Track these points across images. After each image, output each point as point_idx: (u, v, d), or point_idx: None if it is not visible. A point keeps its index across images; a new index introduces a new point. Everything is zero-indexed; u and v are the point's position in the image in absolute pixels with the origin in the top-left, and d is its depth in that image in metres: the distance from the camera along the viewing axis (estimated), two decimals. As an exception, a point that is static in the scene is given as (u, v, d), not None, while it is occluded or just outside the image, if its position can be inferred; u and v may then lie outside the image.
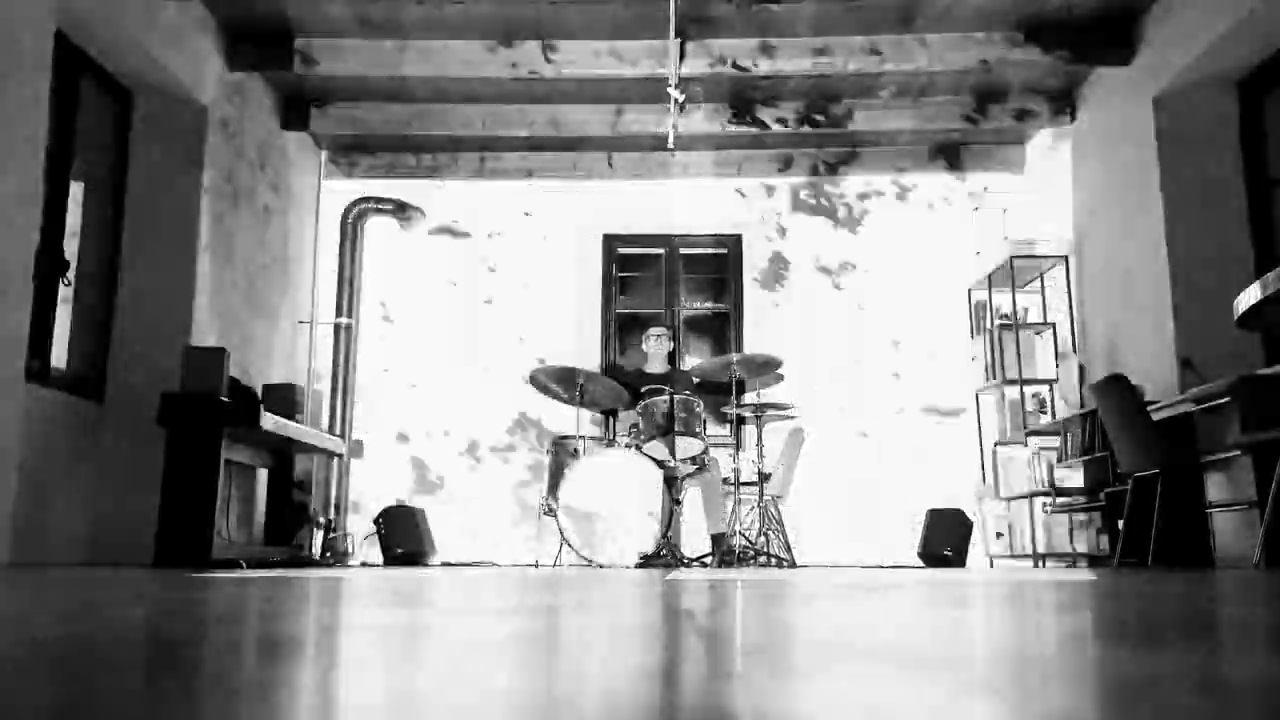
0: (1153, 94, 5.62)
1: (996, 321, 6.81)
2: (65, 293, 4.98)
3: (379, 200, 7.34)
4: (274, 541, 6.05)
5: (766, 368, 6.02)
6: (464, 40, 5.99)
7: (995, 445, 6.82)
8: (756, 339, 7.35)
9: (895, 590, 2.27)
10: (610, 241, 7.61)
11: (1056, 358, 6.63)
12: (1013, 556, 6.60)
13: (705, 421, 5.78)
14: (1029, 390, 6.61)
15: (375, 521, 6.53)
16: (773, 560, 5.64)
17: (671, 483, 5.54)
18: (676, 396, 5.60)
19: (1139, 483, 4.85)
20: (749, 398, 6.86)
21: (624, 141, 7.34)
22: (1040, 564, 6.27)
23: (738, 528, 5.71)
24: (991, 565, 6.73)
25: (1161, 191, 5.56)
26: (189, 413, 4.84)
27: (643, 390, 5.93)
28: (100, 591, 1.95)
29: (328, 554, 6.69)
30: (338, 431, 6.90)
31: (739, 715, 0.55)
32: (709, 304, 7.67)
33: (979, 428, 7.06)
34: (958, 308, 7.32)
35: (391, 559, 6.40)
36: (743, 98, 6.79)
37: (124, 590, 2.02)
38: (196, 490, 4.77)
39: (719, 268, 7.68)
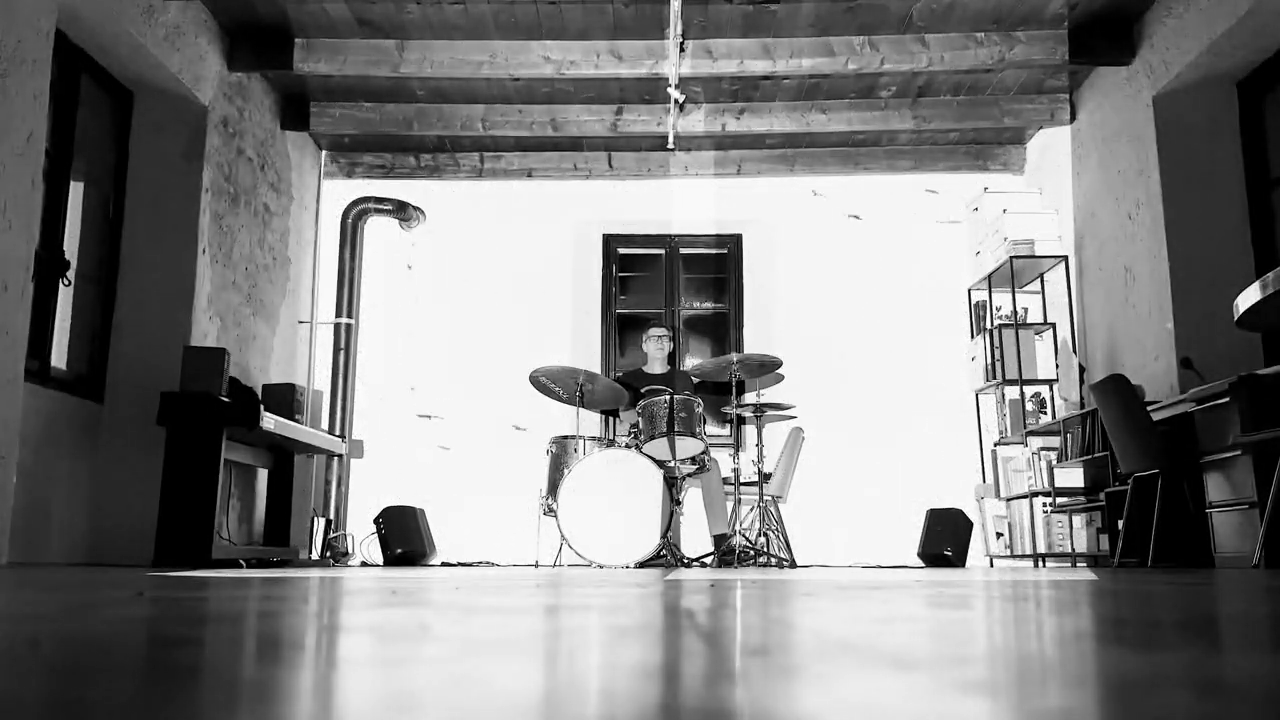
0: (1152, 93, 5.62)
1: (996, 321, 6.80)
2: (65, 293, 4.98)
3: (379, 200, 7.34)
4: (274, 541, 6.04)
5: (766, 368, 6.02)
6: (464, 40, 5.99)
7: (995, 445, 6.82)
8: (756, 339, 7.35)
9: (895, 590, 2.27)
10: (610, 241, 7.61)
11: (1056, 358, 6.63)
12: (1013, 556, 6.59)
13: (705, 421, 5.78)
14: (1029, 390, 6.61)
15: (375, 521, 6.53)
16: (773, 560, 5.64)
17: (671, 483, 5.54)
18: (676, 396, 5.60)
19: (1139, 483, 4.85)
20: (749, 398, 6.85)
21: (624, 141, 7.34)
22: (1040, 564, 6.27)
23: (738, 528, 5.71)
24: (991, 565, 6.73)
25: (1161, 191, 5.56)
26: (189, 413, 4.85)
27: (643, 390, 5.93)
28: (100, 591, 1.95)
29: (328, 554, 6.69)
30: (338, 431, 6.90)
31: (739, 715, 0.55)
32: (709, 304, 7.67)
33: (979, 428, 7.05)
34: (958, 308, 7.32)
35: (391, 559, 6.40)
36: (741, 96, 6.79)
37: (124, 590, 2.02)
38: (196, 490, 4.77)
39: (719, 268, 7.67)
